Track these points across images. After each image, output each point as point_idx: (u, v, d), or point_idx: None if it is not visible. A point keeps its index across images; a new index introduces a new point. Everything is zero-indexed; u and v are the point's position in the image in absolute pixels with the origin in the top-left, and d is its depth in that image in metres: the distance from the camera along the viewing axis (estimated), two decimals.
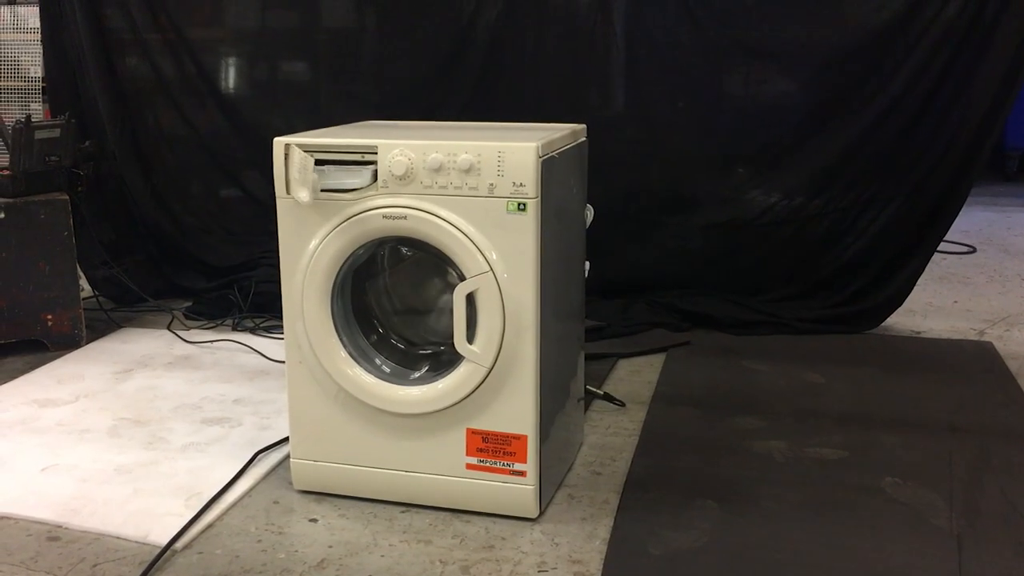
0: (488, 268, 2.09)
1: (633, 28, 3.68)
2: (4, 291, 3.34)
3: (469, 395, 2.18)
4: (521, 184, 2.05)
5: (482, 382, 2.16)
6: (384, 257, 2.38)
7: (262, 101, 4.04)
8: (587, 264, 2.53)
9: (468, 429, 2.21)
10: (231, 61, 4.10)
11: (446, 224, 2.11)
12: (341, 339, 2.26)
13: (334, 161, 2.17)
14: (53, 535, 2.18)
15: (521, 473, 2.18)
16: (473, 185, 2.08)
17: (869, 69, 3.47)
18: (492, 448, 2.20)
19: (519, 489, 2.20)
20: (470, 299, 2.12)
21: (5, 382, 3.13)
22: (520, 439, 2.17)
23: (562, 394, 2.41)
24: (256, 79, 4.12)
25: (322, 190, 2.15)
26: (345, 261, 2.21)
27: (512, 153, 2.05)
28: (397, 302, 2.44)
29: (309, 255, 2.20)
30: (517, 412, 2.16)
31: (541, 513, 2.24)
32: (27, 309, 3.38)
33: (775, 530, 2.17)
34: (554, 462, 2.34)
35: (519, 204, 2.06)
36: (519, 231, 2.07)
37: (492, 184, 2.07)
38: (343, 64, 3.95)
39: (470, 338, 2.14)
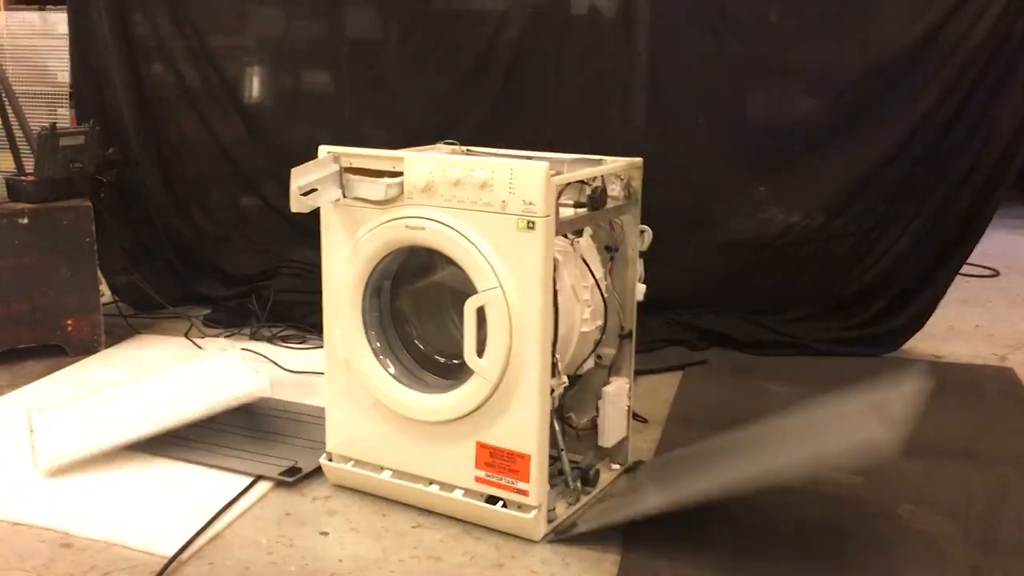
0: (497, 284, 2.10)
1: (656, 44, 3.67)
2: (26, 296, 3.37)
3: (476, 409, 2.18)
4: (531, 203, 2.05)
5: (488, 397, 2.16)
6: (426, 264, 2.39)
7: (284, 111, 4.07)
8: (642, 287, 2.48)
9: (478, 442, 2.21)
10: (254, 71, 4.13)
11: (460, 237, 2.13)
12: (370, 341, 2.32)
13: (365, 171, 2.23)
14: (65, 542, 2.19)
15: (524, 492, 2.17)
16: (487, 201, 2.09)
17: (894, 88, 3.44)
18: (498, 464, 2.19)
19: (522, 508, 2.19)
20: (481, 313, 2.13)
21: (23, 386, 3.16)
22: (524, 458, 2.16)
23: None
24: (279, 89, 4.15)
25: (354, 198, 2.25)
26: (377, 265, 2.28)
27: (523, 171, 2.06)
28: (431, 309, 2.44)
29: (344, 258, 2.28)
30: (522, 430, 2.15)
31: (550, 533, 2.22)
32: (48, 314, 3.41)
33: (789, 555, 2.14)
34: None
35: (528, 222, 2.05)
36: (528, 249, 2.07)
37: (504, 201, 2.07)
38: (366, 76, 3.96)
39: (481, 352, 2.14)
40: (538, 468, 2.16)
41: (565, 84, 3.72)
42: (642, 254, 2.47)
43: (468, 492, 2.25)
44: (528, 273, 2.08)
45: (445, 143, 2.57)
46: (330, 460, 2.45)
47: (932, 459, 2.65)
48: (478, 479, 2.23)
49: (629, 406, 2.52)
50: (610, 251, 2.45)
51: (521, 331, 2.10)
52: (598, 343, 2.44)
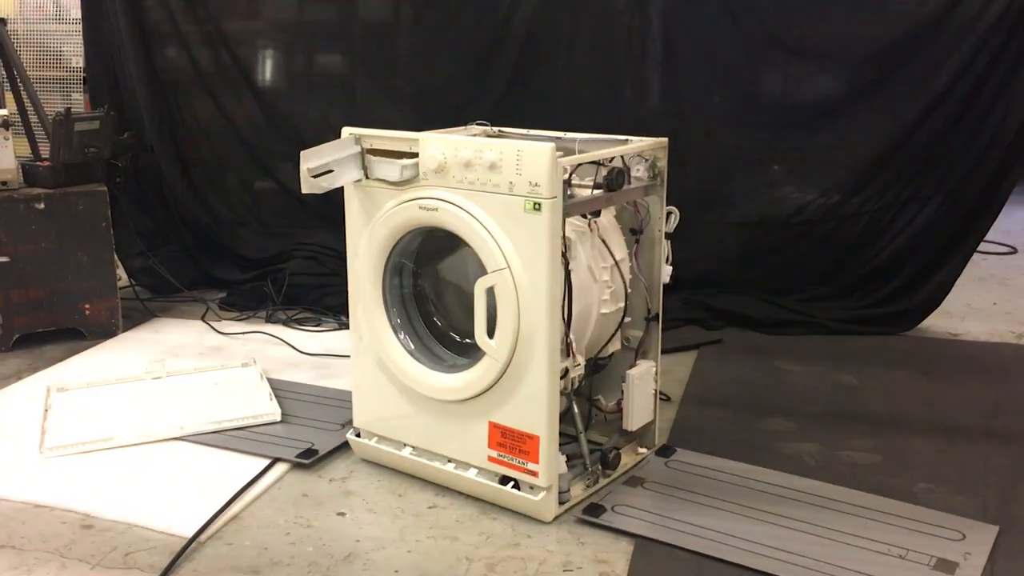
0: (506, 265, 2.10)
1: (670, 23, 3.65)
2: (44, 280, 3.39)
3: (488, 389, 2.19)
4: (536, 184, 2.04)
5: (499, 378, 2.17)
6: (447, 244, 2.38)
7: (298, 94, 4.07)
8: (668, 268, 2.44)
9: (490, 422, 2.23)
10: (268, 54, 4.13)
11: (470, 218, 2.13)
12: (390, 319, 2.35)
13: (385, 152, 2.25)
14: (86, 523, 2.21)
15: (534, 473, 2.18)
16: (496, 182, 2.10)
17: (910, 65, 3.41)
18: (509, 444, 2.20)
19: (533, 488, 2.19)
20: (492, 294, 2.13)
21: (42, 369, 3.19)
22: (533, 439, 2.16)
23: None
24: (292, 72, 4.15)
25: (374, 179, 2.28)
26: (396, 245, 2.30)
27: (529, 153, 2.05)
28: (448, 289, 2.45)
29: (365, 238, 2.32)
30: (531, 411, 2.16)
31: (563, 513, 2.23)
32: (66, 298, 3.43)
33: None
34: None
35: (535, 204, 2.05)
36: (535, 231, 2.06)
37: (512, 182, 2.07)
38: (379, 58, 3.95)
39: (492, 333, 2.15)
40: (547, 449, 2.16)
41: (578, 63, 3.70)
42: (668, 236, 2.44)
43: (482, 471, 2.26)
44: (535, 254, 2.08)
45: (477, 124, 2.56)
46: (358, 436, 2.49)
47: (949, 437, 2.65)
48: (491, 459, 2.24)
49: (656, 389, 2.49)
50: (635, 233, 2.42)
51: (529, 313, 2.10)
52: (621, 325, 2.41)
